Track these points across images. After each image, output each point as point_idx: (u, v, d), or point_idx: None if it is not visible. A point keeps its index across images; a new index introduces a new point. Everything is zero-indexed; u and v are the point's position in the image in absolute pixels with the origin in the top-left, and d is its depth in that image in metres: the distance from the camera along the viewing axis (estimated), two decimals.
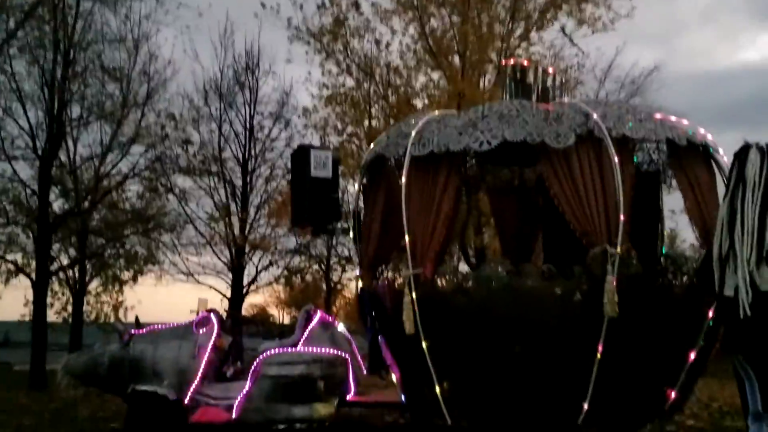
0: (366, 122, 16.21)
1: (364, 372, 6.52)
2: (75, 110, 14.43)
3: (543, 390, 4.60)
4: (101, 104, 14.25)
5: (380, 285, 5.76)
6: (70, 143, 14.96)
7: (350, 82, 15.26)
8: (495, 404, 4.80)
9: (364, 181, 6.09)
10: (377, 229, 5.62)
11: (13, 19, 12.74)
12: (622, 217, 4.55)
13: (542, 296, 4.66)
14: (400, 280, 5.33)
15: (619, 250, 4.52)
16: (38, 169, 13.85)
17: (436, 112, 5.75)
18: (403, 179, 5.02)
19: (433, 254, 5.05)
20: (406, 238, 4.99)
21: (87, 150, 15.41)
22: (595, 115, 4.76)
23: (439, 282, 5.13)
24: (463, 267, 9.96)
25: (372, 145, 6.11)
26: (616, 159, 4.62)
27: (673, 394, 4.97)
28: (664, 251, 6.13)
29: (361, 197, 6.11)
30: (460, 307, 4.78)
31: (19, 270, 14.27)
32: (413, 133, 5.07)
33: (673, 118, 5.08)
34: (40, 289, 13.71)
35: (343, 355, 6.21)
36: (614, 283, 4.42)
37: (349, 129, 16.47)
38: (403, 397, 5.71)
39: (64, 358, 6.84)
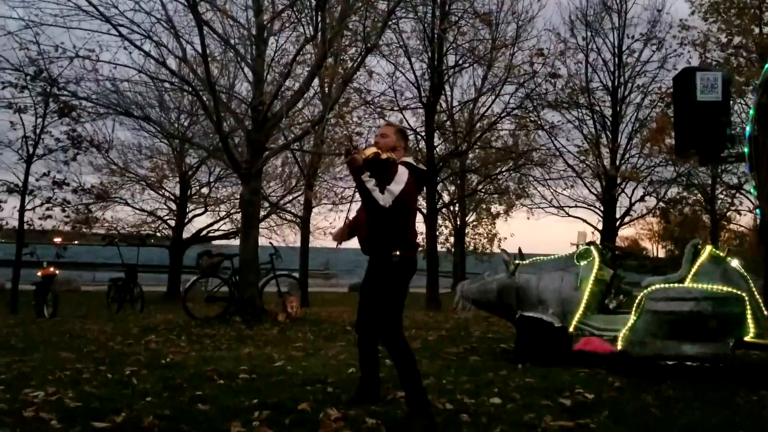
0: (756, 30, 14.12)
1: (765, 312, 5.89)
2: (451, 59, 15.70)
3: None
4: (474, 49, 15.16)
5: None
6: (447, 89, 16.37)
7: None
8: None
9: (763, 99, 5.37)
10: None
11: None
12: None
13: None
14: None
15: None
16: (423, 116, 15.53)
17: None
18: None
19: None
20: None
21: (462, 95, 16.74)
22: None
23: None
24: None
25: None
26: None
27: None
28: None
29: (758, 119, 5.42)
30: None
31: None
32: None
33: None
34: (431, 223, 15.53)
35: (739, 292, 5.68)
36: None
37: (735, 40, 14.56)
38: None
39: (459, 284, 7.67)
